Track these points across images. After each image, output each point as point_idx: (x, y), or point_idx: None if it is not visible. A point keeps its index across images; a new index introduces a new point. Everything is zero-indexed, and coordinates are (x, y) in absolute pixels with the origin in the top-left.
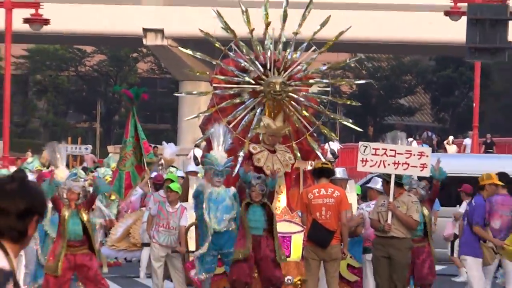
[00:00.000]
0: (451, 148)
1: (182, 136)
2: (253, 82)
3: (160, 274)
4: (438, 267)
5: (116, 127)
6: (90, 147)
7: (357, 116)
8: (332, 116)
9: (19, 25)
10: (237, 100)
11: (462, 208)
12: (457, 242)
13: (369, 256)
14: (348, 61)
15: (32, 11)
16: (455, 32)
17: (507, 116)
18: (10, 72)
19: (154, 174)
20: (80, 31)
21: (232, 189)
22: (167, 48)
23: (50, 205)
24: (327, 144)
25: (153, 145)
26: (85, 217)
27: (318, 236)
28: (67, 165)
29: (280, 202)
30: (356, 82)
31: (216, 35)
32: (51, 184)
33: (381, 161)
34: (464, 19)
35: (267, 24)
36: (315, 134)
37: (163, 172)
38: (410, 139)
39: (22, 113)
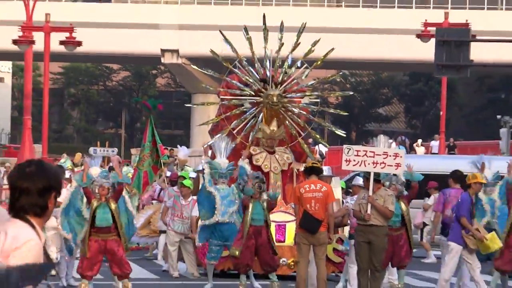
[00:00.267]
0: (420, 150)
1: (194, 140)
2: (254, 94)
3: (175, 256)
4: None
5: (138, 132)
6: (116, 149)
7: (342, 123)
8: (321, 123)
9: (56, 46)
10: (240, 110)
11: (430, 200)
12: (426, 229)
13: (352, 241)
14: (334, 76)
15: (67, 34)
16: (425, 51)
17: (469, 123)
18: (48, 86)
19: (169, 173)
20: (107, 51)
21: (233, 187)
22: (182, 66)
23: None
24: (316, 146)
25: (169, 148)
26: (113, 206)
27: (308, 224)
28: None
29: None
30: (341, 94)
31: (223, 54)
32: (86, 177)
33: (362, 161)
34: (432, 41)
35: (265, 46)
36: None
37: (177, 171)
38: (390, 141)
39: (58, 121)
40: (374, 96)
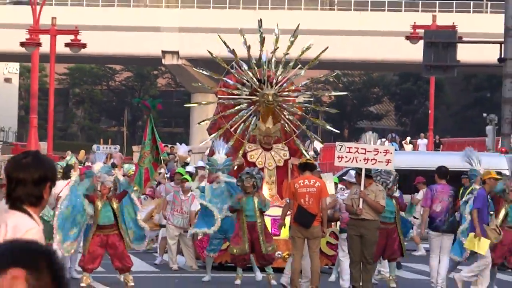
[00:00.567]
0: (408, 147)
1: (193, 138)
2: (250, 93)
3: (174, 250)
4: None
5: (140, 130)
6: (118, 147)
7: (334, 121)
8: (316, 121)
9: (61, 48)
10: (237, 109)
11: (419, 195)
12: (416, 222)
13: (343, 235)
14: (327, 76)
15: (72, 37)
16: (414, 53)
17: (456, 121)
18: (53, 86)
19: (163, 170)
20: (111, 53)
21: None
22: (182, 66)
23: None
24: (313, 143)
25: (169, 145)
26: (115, 205)
27: (302, 219)
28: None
29: (272, 191)
30: (334, 94)
31: (221, 55)
32: (86, 175)
33: (354, 157)
34: (421, 42)
35: (262, 48)
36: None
37: (178, 167)
38: (383, 139)
39: (63, 119)
40: (365, 95)
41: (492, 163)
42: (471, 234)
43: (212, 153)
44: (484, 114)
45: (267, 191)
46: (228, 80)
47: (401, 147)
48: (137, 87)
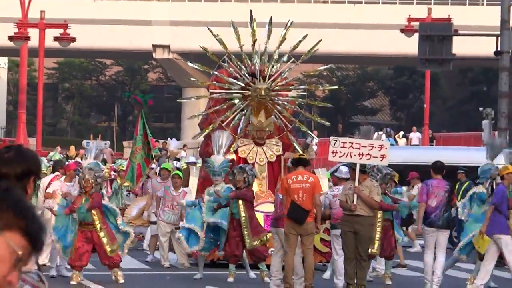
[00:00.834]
0: (401, 141)
1: (184, 133)
2: (243, 88)
3: (166, 247)
4: None
5: (130, 126)
6: (108, 142)
7: (329, 116)
8: (308, 115)
9: (50, 42)
10: (229, 103)
11: (414, 191)
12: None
13: (335, 231)
14: (321, 70)
15: (61, 30)
16: (409, 46)
17: (452, 115)
18: (42, 81)
19: (154, 165)
20: (101, 47)
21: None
22: (173, 61)
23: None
24: (307, 138)
25: (161, 141)
26: (86, 204)
27: (296, 215)
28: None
29: (263, 187)
30: (328, 87)
31: (213, 49)
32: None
33: (348, 152)
34: (416, 35)
35: (254, 41)
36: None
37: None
38: (380, 132)
39: (52, 115)
40: (359, 89)
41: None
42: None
43: (203, 147)
44: (480, 108)
45: (256, 187)
46: (220, 74)
47: (396, 142)
48: (127, 81)
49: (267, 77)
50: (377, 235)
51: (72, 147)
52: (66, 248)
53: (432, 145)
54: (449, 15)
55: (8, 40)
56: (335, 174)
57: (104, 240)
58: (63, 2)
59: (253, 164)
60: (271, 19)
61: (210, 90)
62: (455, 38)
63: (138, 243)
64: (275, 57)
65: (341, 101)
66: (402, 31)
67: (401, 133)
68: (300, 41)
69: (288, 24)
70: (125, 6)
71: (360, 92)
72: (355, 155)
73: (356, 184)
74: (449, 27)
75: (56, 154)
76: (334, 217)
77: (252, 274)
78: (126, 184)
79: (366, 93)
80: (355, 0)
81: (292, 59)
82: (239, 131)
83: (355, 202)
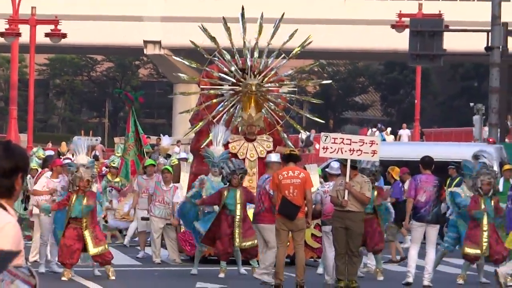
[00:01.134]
0: (389, 138)
1: (175, 129)
2: (233, 83)
3: (158, 243)
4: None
5: (121, 122)
6: (99, 138)
7: (319, 111)
8: (299, 111)
9: (41, 39)
10: (220, 99)
11: (406, 186)
12: None
13: (325, 228)
14: (312, 66)
15: (52, 26)
16: (400, 41)
17: (443, 111)
18: (33, 77)
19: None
20: (92, 43)
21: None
22: (164, 56)
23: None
24: (300, 134)
25: (156, 137)
26: (85, 201)
27: (287, 210)
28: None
29: (253, 182)
30: (317, 81)
31: (204, 45)
32: (69, 168)
33: (339, 148)
34: (407, 31)
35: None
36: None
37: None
38: (374, 129)
39: (44, 111)
40: (350, 85)
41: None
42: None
43: (195, 143)
44: (471, 104)
45: (247, 182)
46: (211, 70)
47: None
48: (118, 77)
49: (257, 73)
50: None
51: (64, 143)
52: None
53: (422, 141)
54: (439, 11)
55: None
56: (326, 170)
57: (88, 239)
58: None
59: (244, 159)
60: (262, 15)
61: (201, 86)
62: (446, 34)
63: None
64: (266, 53)
65: (332, 97)
66: (393, 26)
67: (389, 129)
68: (290, 37)
69: (278, 21)
70: (116, 2)
71: (351, 87)
72: (346, 151)
73: (347, 180)
74: (439, 23)
75: (39, 150)
76: (324, 213)
77: (243, 270)
78: (117, 180)
79: (357, 89)
80: None
81: (283, 55)
82: (229, 127)
83: (346, 198)
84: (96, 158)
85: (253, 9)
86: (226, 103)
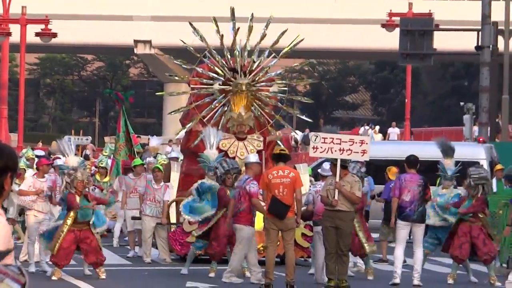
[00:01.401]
0: (377, 136)
1: (166, 128)
2: (224, 83)
3: (149, 243)
4: (374, 235)
5: (112, 121)
6: (90, 138)
7: (310, 111)
8: (289, 110)
9: (31, 38)
10: (210, 98)
11: None
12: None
13: (317, 228)
14: (302, 65)
15: (43, 26)
16: (390, 41)
17: (433, 110)
18: (24, 76)
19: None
20: (82, 43)
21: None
22: (154, 56)
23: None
24: (293, 134)
25: (145, 136)
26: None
27: (276, 210)
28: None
29: None
30: (307, 81)
31: (194, 45)
32: (60, 169)
33: (329, 148)
34: (397, 30)
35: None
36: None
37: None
38: (366, 127)
39: (34, 110)
40: (341, 84)
41: (469, 153)
42: None
43: (185, 143)
44: (462, 103)
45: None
46: (201, 70)
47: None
48: (109, 77)
49: (247, 72)
50: None
51: (54, 143)
52: (47, 242)
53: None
54: (430, 10)
55: None
56: (318, 171)
57: (97, 236)
58: None
59: (234, 158)
60: (252, 15)
61: (192, 86)
62: (436, 33)
63: (121, 239)
64: (256, 52)
65: (322, 96)
66: (383, 26)
67: (377, 128)
68: (280, 36)
69: (268, 21)
70: (106, 1)
71: (341, 87)
72: (336, 151)
73: (337, 179)
74: (430, 22)
75: (29, 151)
76: (316, 213)
77: None
78: (105, 180)
79: (347, 88)
80: None
81: (273, 54)
82: (220, 126)
83: (336, 197)
84: (86, 157)
85: (244, 8)
86: (216, 103)
